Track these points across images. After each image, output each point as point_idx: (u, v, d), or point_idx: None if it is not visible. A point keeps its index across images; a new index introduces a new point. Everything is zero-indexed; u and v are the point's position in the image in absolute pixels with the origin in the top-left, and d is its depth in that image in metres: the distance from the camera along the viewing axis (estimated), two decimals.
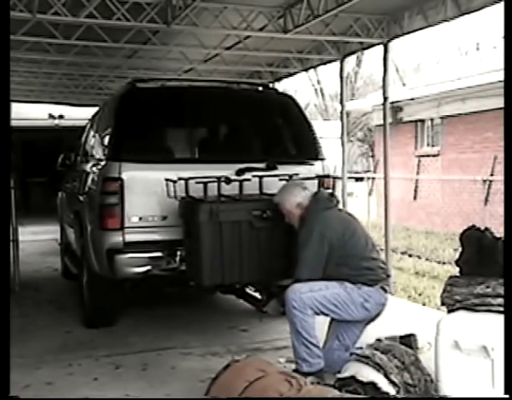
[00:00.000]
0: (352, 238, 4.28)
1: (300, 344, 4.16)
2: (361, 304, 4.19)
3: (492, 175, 13.48)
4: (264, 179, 5.06)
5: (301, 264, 4.23)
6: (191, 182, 4.87)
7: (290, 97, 6.35)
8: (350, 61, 28.32)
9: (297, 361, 4.21)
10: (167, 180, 5.01)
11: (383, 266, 4.41)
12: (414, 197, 16.50)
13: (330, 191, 5.08)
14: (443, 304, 3.91)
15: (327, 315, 4.25)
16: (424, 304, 7.59)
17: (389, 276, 4.46)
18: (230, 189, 4.91)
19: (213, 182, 4.74)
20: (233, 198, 4.81)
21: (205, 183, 4.69)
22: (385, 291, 4.32)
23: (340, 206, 4.68)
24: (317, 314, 4.20)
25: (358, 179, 20.50)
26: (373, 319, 4.36)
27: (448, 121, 15.39)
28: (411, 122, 16.81)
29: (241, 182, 4.89)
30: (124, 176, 5.19)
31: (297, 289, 4.14)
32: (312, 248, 4.19)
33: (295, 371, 4.11)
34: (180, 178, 4.95)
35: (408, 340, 4.57)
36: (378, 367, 3.69)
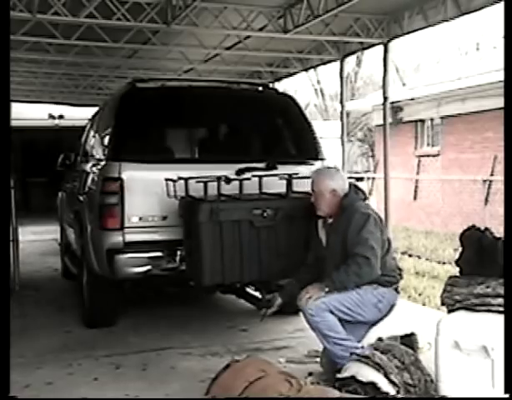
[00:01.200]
0: (383, 235, 4.25)
1: (333, 345, 4.10)
2: (374, 304, 4.16)
3: (492, 175, 13.50)
4: (264, 179, 5.06)
5: (366, 245, 4.04)
6: (191, 181, 4.87)
7: (290, 97, 6.34)
8: (350, 61, 28.24)
9: (336, 361, 4.14)
10: (167, 180, 5.00)
11: (399, 267, 4.40)
12: (414, 197, 16.52)
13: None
14: (443, 304, 3.91)
15: (340, 317, 4.15)
16: (424, 304, 7.59)
17: (402, 278, 4.41)
18: (230, 189, 4.91)
19: (213, 181, 4.74)
20: (233, 198, 4.80)
21: (205, 183, 4.69)
22: (398, 292, 4.31)
23: None
24: None
25: (358, 179, 20.45)
26: (379, 320, 4.33)
27: (448, 121, 15.41)
28: (411, 122, 16.82)
29: (241, 181, 4.88)
30: (124, 176, 5.18)
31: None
32: (373, 232, 4.09)
33: (335, 370, 4.04)
34: (180, 178, 4.95)
35: (408, 340, 4.57)
36: (378, 367, 3.69)
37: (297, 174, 4.94)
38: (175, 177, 4.98)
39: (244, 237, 4.55)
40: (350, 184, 4.45)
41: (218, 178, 4.75)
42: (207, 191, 4.69)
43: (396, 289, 4.30)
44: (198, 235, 4.50)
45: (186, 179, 4.89)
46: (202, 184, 4.70)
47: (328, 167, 4.68)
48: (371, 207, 4.35)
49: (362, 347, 4.13)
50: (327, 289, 4.11)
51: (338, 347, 4.09)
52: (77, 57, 9.06)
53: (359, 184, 4.79)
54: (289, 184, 4.87)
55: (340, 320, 4.17)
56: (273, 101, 6.33)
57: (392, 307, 4.28)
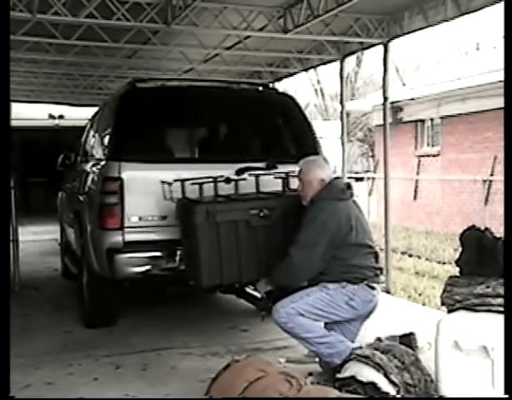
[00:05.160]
0: (351, 233, 4.21)
1: (316, 345, 4.12)
2: (346, 303, 4.15)
3: (492, 175, 13.49)
4: (264, 178, 5.05)
5: (295, 246, 4.16)
6: (187, 182, 4.86)
7: (290, 97, 6.35)
8: (350, 61, 28.28)
9: (326, 360, 4.17)
10: (163, 182, 5.01)
11: (372, 264, 4.32)
12: (414, 197, 16.51)
13: (346, 181, 4.90)
14: (443, 304, 3.91)
15: (314, 319, 4.17)
16: (424, 304, 7.59)
17: (377, 275, 4.36)
18: (229, 189, 4.90)
19: (210, 182, 4.74)
20: (229, 198, 4.80)
21: (201, 184, 4.68)
22: (372, 288, 4.25)
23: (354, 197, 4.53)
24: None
25: (358, 179, 20.48)
26: (367, 316, 4.32)
27: (448, 121, 15.40)
28: (411, 122, 16.81)
29: (237, 181, 4.88)
30: (124, 176, 5.19)
31: (279, 307, 4.15)
32: (310, 233, 4.14)
33: (334, 370, 4.03)
34: (176, 180, 4.95)
35: (407, 339, 4.57)
36: (378, 367, 3.69)
37: (294, 172, 4.92)
38: (175, 177, 4.99)
39: (242, 237, 4.53)
40: (330, 181, 4.41)
41: (215, 179, 4.75)
42: (202, 192, 4.68)
43: (369, 285, 4.24)
44: (195, 237, 4.49)
45: (182, 181, 4.89)
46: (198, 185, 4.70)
47: (313, 158, 4.65)
48: (335, 208, 4.23)
49: (357, 345, 4.15)
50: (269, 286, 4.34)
51: (322, 345, 4.11)
52: (77, 57, 9.05)
53: (357, 184, 4.76)
54: (286, 182, 4.87)
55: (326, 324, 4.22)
56: (273, 101, 6.33)
57: (369, 303, 4.24)
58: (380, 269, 4.46)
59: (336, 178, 4.58)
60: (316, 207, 4.26)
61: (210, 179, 4.79)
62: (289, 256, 4.16)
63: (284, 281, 4.27)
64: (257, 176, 5.02)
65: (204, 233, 4.45)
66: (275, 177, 4.94)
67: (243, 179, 4.98)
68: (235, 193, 4.83)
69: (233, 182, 4.95)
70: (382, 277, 4.67)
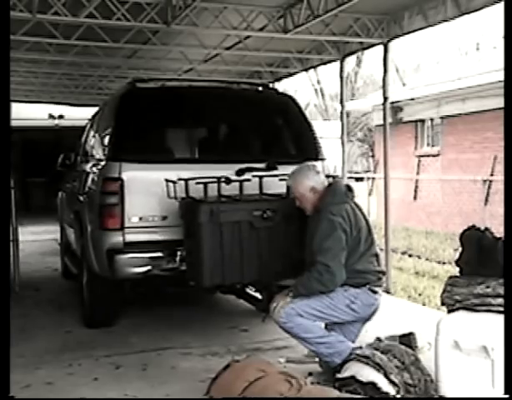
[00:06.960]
0: (357, 236, 4.21)
1: (316, 345, 4.12)
2: (347, 306, 4.15)
3: (492, 175, 13.49)
4: (264, 179, 5.05)
5: (326, 255, 4.05)
6: (191, 182, 4.86)
7: (290, 97, 6.35)
8: (350, 61, 28.30)
9: (325, 360, 4.17)
10: (167, 181, 5.00)
11: (374, 268, 4.32)
12: (414, 197, 16.51)
13: (346, 183, 4.85)
14: (443, 304, 3.91)
15: (313, 320, 4.16)
16: (424, 304, 7.59)
17: (380, 278, 4.36)
18: (230, 189, 4.91)
19: (213, 182, 4.74)
20: (233, 199, 4.80)
21: (205, 184, 4.69)
22: (375, 292, 4.26)
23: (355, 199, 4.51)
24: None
25: (358, 179, 20.48)
26: (368, 319, 4.32)
27: (448, 121, 15.39)
28: (411, 122, 16.81)
29: (241, 182, 4.88)
30: (124, 176, 5.19)
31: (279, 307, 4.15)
32: (336, 240, 4.08)
33: (334, 370, 4.03)
34: (180, 179, 4.94)
35: (407, 339, 4.57)
36: (379, 367, 3.70)
37: None
38: (175, 177, 4.99)
39: (244, 237, 4.54)
40: (330, 183, 4.42)
41: (218, 179, 4.75)
42: (207, 192, 4.69)
43: (371, 289, 4.24)
44: (199, 236, 4.49)
45: (186, 180, 4.89)
46: (202, 185, 4.70)
47: (297, 168, 4.59)
48: (345, 211, 4.20)
49: (357, 345, 4.15)
50: (291, 294, 4.16)
51: (322, 345, 4.11)
52: (77, 57, 9.06)
53: (357, 184, 4.74)
54: None
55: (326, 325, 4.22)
56: (273, 101, 6.33)
57: (371, 306, 4.25)
58: (383, 272, 4.45)
59: (336, 181, 4.58)
60: (329, 212, 4.18)
61: (214, 179, 4.79)
62: (324, 266, 4.05)
63: (317, 291, 4.12)
64: (260, 177, 5.02)
65: (207, 233, 4.45)
66: (280, 180, 4.93)
67: (248, 180, 4.96)
68: (239, 194, 4.83)
69: (234, 183, 4.93)
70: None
